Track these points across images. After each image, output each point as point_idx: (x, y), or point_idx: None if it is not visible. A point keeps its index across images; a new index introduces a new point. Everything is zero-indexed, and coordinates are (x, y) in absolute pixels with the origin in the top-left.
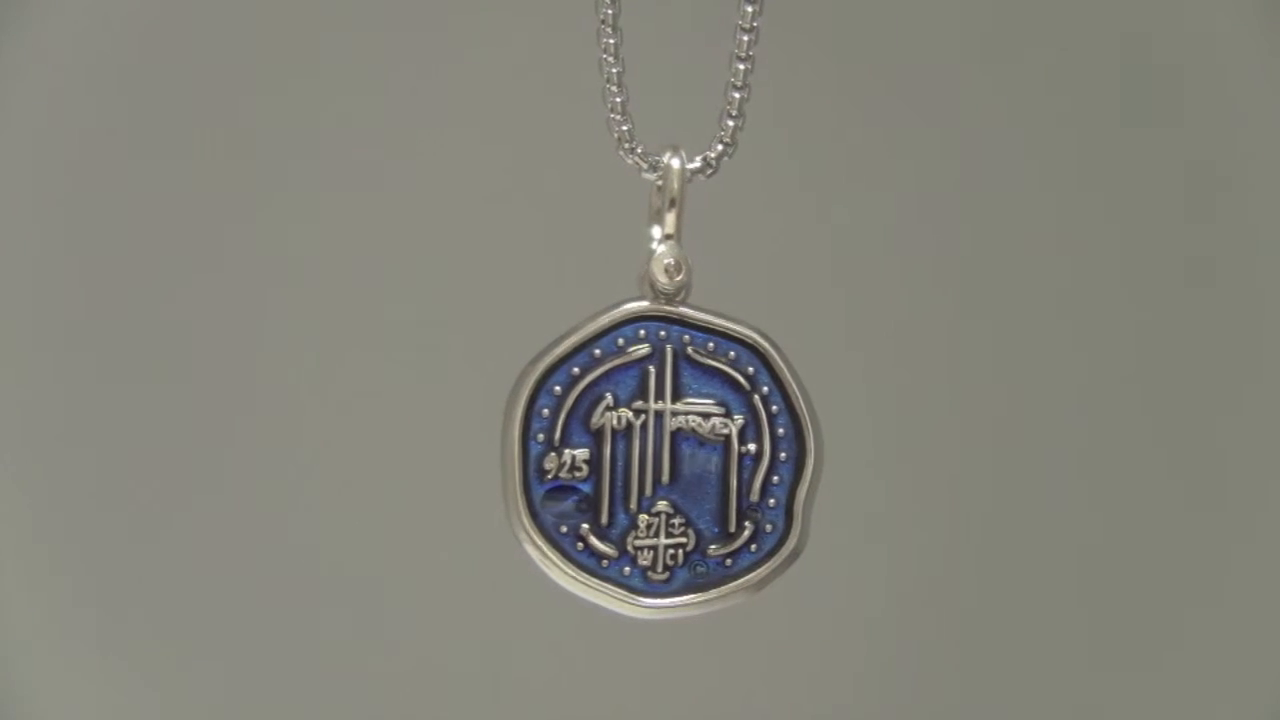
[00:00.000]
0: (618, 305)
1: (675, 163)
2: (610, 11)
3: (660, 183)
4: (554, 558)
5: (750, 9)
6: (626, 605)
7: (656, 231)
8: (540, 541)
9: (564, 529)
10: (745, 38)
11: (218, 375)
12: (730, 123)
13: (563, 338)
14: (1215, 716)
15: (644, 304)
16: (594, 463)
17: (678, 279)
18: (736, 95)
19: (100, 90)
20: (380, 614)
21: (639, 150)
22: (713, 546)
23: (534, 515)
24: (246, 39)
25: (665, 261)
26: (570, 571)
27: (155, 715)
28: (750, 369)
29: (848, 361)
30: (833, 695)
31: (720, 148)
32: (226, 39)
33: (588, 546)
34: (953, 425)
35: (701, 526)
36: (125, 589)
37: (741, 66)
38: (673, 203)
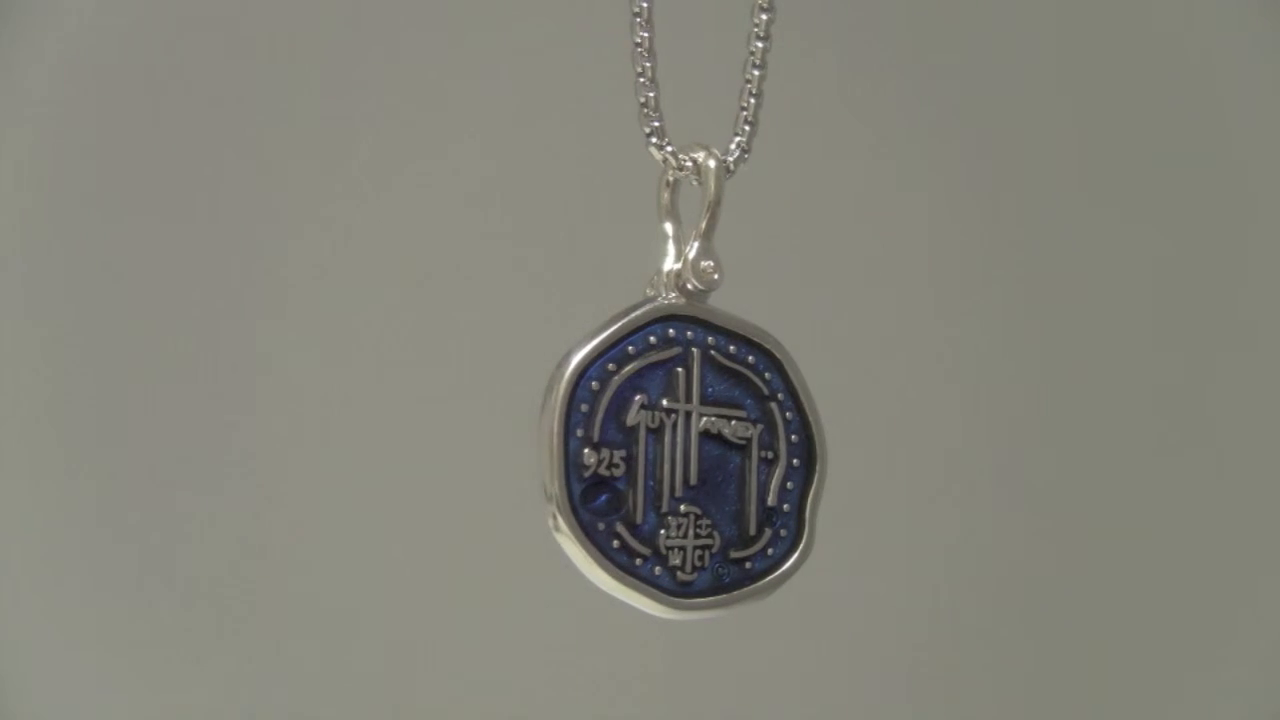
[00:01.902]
0: (650, 301)
1: (712, 163)
2: (645, 4)
3: (672, 178)
4: (594, 556)
5: (765, 16)
6: (661, 606)
7: (669, 228)
8: (582, 539)
9: (601, 526)
10: (760, 44)
11: (225, 374)
12: (746, 128)
13: (596, 332)
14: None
15: (675, 302)
16: (629, 460)
17: (713, 279)
18: (752, 101)
19: (100, 90)
20: (404, 614)
21: (669, 147)
22: (732, 550)
23: (574, 511)
24: (260, 33)
25: (703, 263)
26: (609, 570)
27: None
28: (767, 374)
29: (847, 364)
30: (831, 697)
31: (737, 153)
32: (238, 35)
33: (624, 545)
34: (953, 428)
35: (723, 529)
36: (127, 591)
37: (756, 72)
38: (710, 203)
